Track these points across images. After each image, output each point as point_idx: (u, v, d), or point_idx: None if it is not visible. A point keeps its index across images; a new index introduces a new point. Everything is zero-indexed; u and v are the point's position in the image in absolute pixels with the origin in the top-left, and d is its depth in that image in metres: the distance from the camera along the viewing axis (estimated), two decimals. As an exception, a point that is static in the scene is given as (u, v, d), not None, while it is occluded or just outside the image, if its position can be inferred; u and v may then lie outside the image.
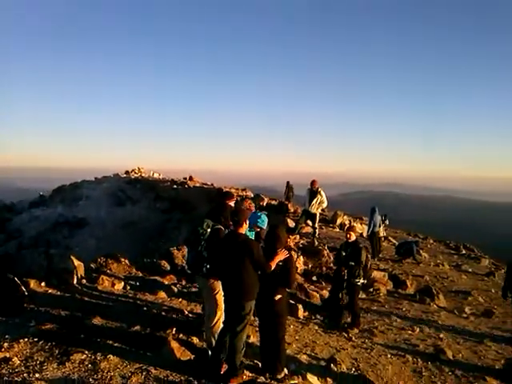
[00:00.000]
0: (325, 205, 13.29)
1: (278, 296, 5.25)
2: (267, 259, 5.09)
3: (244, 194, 26.90)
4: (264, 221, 6.34)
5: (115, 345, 5.49)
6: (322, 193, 13.01)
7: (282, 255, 5.15)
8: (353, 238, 7.96)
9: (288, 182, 24.35)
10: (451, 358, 7.01)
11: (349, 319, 7.99)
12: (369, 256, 8.24)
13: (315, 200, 12.92)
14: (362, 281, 7.87)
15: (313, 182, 13.15)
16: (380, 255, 14.69)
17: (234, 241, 5.05)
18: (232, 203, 6.48)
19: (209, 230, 5.46)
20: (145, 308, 7.18)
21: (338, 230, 19.87)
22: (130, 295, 7.85)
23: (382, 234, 15.65)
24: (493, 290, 12.76)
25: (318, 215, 13.52)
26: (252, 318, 5.39)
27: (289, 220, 18.48)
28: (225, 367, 5.01)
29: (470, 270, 15.80)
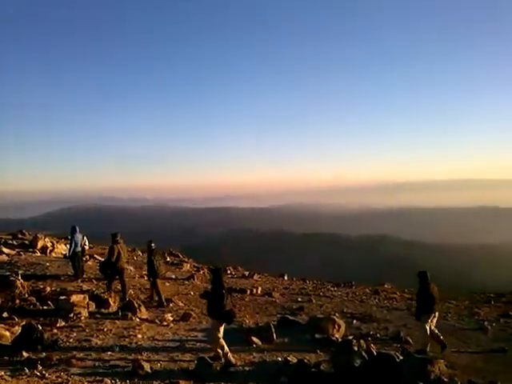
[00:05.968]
0: None
1: None
2: None
3: None
4: None
5: None
6: None
7: None
8: None
9: None
10: (149, 370, 7.08)
11: None
12: None
13: None
14: None
15: None
16: (84, 276, 14.09)
17: None
18: None
19: None
20: None
21: (39, 254, 18.26)
22: None
23: (85, 253, 15.15)
24: (192, 293, 13.90)
25: None
26: None
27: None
28: None
29: (174, 276, 16.89)
